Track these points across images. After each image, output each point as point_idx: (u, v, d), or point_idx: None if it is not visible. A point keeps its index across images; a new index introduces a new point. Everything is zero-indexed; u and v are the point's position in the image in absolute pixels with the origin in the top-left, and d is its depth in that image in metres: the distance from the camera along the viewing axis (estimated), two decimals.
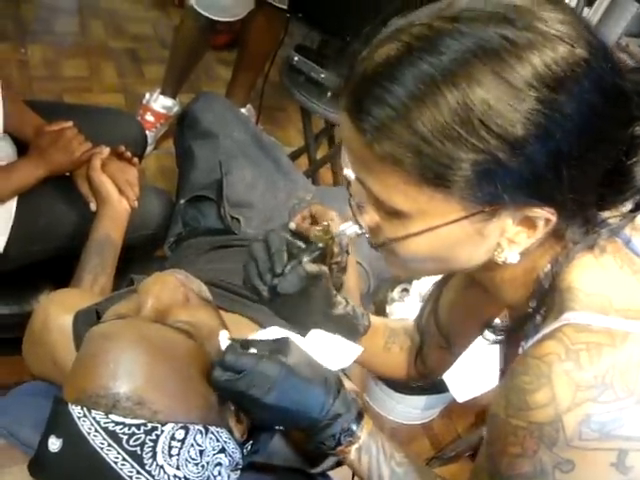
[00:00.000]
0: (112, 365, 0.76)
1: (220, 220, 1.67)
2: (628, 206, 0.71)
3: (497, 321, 0.97)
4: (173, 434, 0.75)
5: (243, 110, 2.74)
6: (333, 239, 0.89)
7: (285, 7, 2.15)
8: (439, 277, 1.07)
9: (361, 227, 0.76)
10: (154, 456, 0.73)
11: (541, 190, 0.64)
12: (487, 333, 0.95)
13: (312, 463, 0.98)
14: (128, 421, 0.73)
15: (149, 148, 2.58)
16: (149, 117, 2.61)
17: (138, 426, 0.73)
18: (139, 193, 1.55)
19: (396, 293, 1.94)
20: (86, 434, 0.73)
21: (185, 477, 0.75)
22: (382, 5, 1.77)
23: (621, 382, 0.63)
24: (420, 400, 2.03)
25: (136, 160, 1.62)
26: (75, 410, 0.74)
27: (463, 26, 0.61)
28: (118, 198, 1.49)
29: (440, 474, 0.92)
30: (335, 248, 0.95)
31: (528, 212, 0.66)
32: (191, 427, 0.77)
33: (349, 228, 0.84)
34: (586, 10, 1.89)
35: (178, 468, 0.74)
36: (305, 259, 0.87)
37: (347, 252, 1.02)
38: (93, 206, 1.51)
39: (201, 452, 0.77)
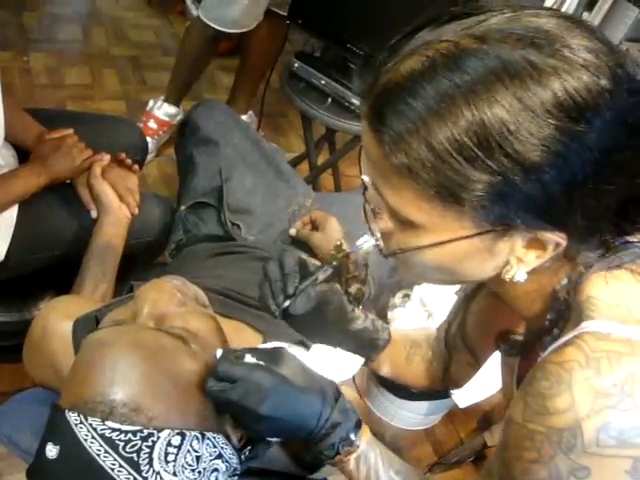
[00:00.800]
0: (108, 372, 0.77)
1: (220, 226, 1.68)
2: None
3: (514, 335, 0.96)
4: (169, 440, 0.75)
5: (245, 117, 2.75)
6: (347, 256, 0.90)
7: (285, 14, 2.15)
8: (453, 287, 1.07)
9: (374, 234, 0.76)
10: (150, 462, 0.73)
11: (553, 216, 0.64)
12: (502, 345, 0.95)
13: (311, 469, 0.98)
14: (124, 427, 0.74)
15: (151, 155, 2.58)
16: (152, 124, 2.61)
17: (134, 432, 0.74)
18: (139, 200, 1.56)
19: (398, 299, 1.94)
20: (83, 441, 0.73)
21: None
22: (381, 11, 1.78)
23: None
24: (422, 406, 2.02)
25: (136, 167, 1.63)
26: (72, 417, 0.74)
27: (489, 47, 0.60)
28: (119, 205, 1.50)
29: None
30: (350, 265, 0.96)
31: (538, 235, 0.66)
32: (187, 433, 0.77)
33: (366, 243, 0.85)
34: (585, 15, 1.90)
35: (175, 474, 0.74)
36: (318, 279, 0.87)
37: (366, 265, 1.03)
38: (94, 213, 1.52)
39: (198, 458, 0.77)
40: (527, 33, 0.61)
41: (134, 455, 0.73)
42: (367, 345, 1.01)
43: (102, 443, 0.73)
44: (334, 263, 0.89)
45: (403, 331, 1.12)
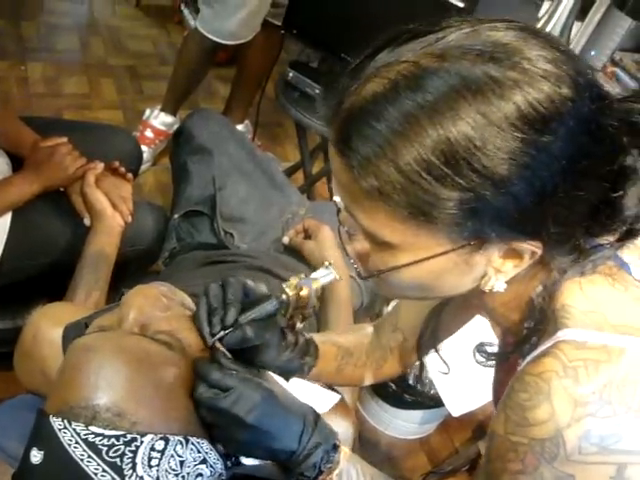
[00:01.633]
0: (92, 377, 0.77)
1: (214, 235, 1.68)
2: (617, 235, 0.70)
3: (490, 347, 0.96)
4: (153, 445, 0.75)
5: (241, 126, 2.76)
6: (298, 294, 0.89)
7: (279, 24, 2.17)
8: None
9: (350, 256, 0.76)
10: (134, 467, 0.73)
11: (526, 226, 0.64)
12: (478, 356, 0.95)
13: None
14: (107, 432, 0.73)
15: (148, 164, 2.59)
16: (148, 133, 2.62)
17: (117, 437, 0.74)
18: (133, 208, 1.56)
19: (391, 307, 1.94)
20: (67, 446, 0.73)
21: None
22: (374, 21, 1.78)
23: (619, 397, 0.64)
24: (416, 414, 2.02)
25: (130, 175, 1.64)
26: (56, 422, 0.75)
27: (449, 64, 0.60)
28: (112, 213, 1.50)
29: None
30: (301, 299, 0.93)
31: (514, 245, 0.66)
32: (171, 438, 0.77)
33: (323, 277, 0.84)
34: (577, 24, 1.90)
35: (158, 479, 0.74)
36: (263, 312, 0.86)
37: (318, 299, 1.01)
38: (87, 221, 1.53)
39: (181, 463, 0.77)
40: (486, 48, 0.61)
41: (117, 460, 0.73)
42: (292, 371, 0.99)
43: (85, 448, 0.73)
44: (283, 297, 0.88)
45: (335, 340, 1.10)
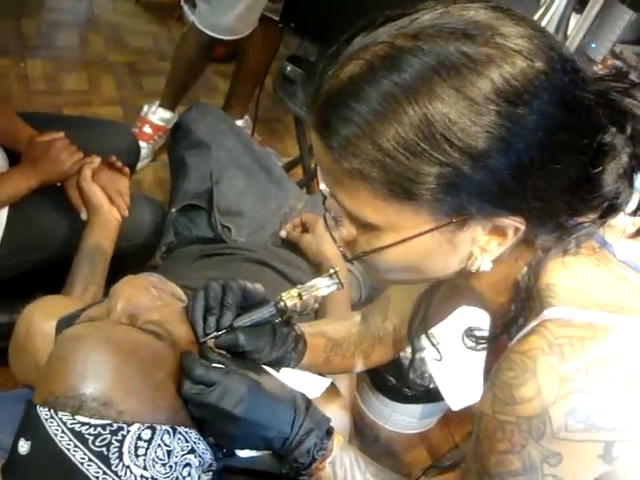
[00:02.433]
0: (79, 366, 0.77)
1: (211, 229, 1.68)
2: (598, 213, 0.71)
3: (479, 331, 0.97)
4: (139, 434, 0.75)
5: (240, 121, 2.75)
6: (296, 305, 0.90)
7: (277, 18, 2.16)
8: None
9: (337, 242, 0.76)
10: (120, 456, 0.73)
11: (507, 201, 0.64)
12: (467, 341, 0.95)
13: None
14: (94, 422, 0.73)
15: (147, 160, 2.59)
16: (147, 129, 2.62)
17: (104, 426, 0.74)
18: (130, 202, 1.56)
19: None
20: (53, 435, 0.73)
21: (152, 477, 0.75)
22: (372, 14, 1.78)
23: (604, 374, 0.65)
24: (416, 409, 2.01)
25: (127, 170, 1.63)
26: (43, 412, 0.75)
27: (424, 43, 0.62)
28: (109, 207, 1.50)
29: None
30: (298, 307, 0.93)
31: (497, 222, 0.66)
32: (158, 427, 0.77)
33: (323, 289, 0.86)
34: (575, 17, 1.89)
35: (145, 468, 0.74)
36: (259, 318, 0.88)
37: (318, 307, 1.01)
38: (84, 215, 1.53)
39: (169, 452, 0.77)
40: (459, 26, 0.62)
41: (104, 449, 0.73)
42: (278, 365, 0.98)
43: (72, 437, 0.73)
44: (281, 304, 0.89)
45: (324, 331, 1.11)
